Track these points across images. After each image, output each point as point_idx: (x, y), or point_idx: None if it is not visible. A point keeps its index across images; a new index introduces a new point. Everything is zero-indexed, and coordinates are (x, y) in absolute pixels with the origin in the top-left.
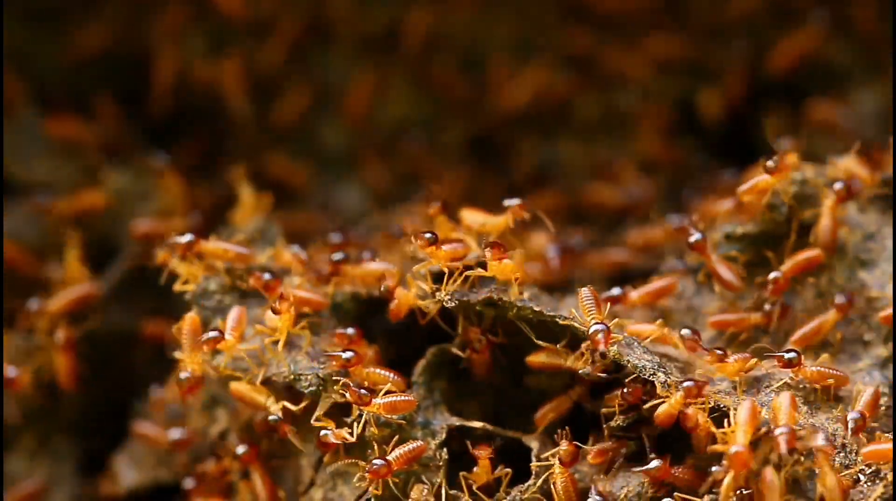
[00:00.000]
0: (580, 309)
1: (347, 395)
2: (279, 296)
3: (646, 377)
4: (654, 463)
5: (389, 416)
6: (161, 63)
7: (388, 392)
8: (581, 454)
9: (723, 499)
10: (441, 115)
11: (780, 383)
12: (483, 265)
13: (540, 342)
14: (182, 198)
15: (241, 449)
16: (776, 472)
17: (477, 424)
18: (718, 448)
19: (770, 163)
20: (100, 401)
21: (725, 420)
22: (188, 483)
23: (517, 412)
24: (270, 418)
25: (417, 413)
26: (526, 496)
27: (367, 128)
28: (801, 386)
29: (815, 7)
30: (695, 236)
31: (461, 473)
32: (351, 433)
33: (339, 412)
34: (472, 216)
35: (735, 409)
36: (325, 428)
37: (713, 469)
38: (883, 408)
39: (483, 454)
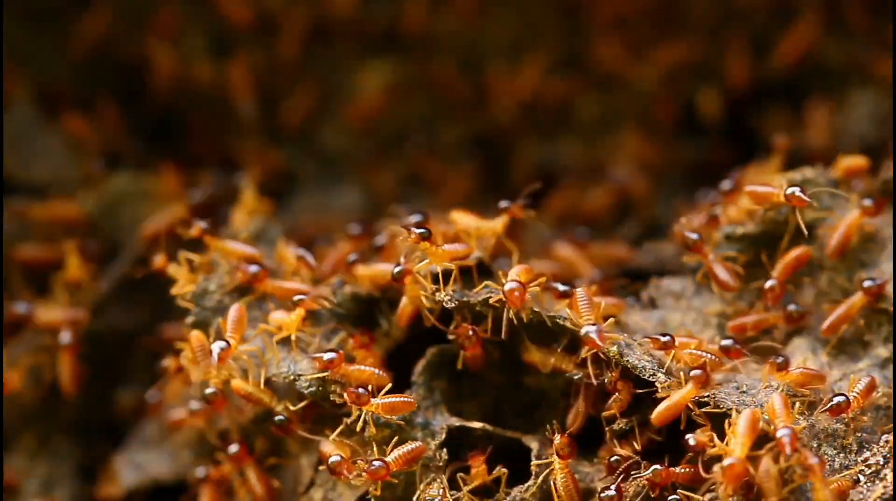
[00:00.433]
0: (574, 309)
1: (345, 395)
2: (303, 296)
3: (645, 377)
4: (654, 468)
5: (388, 417)
6: (158, 59)
7: (387, 393)
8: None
9: (723, 498)
10: (441, 115)
11: (774, 385)
12: (483, 266)
13: (531, 345)
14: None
15: (233, 449)
16: (773, 462)
17: (476, 424)
18: (717, 451)
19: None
20: (100, 401)
21: (726, 422)
22: (199, 472)
23: (517, 413)
24: (277, 418)
25: (417, 414)
26: (526, 496)
27: (369, 129)
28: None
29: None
30: (692, 237)
31: (458, 475)
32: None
33: (339, 413)
34: (464, 219)
35: (737, 411)
36: (336, 454)
37: (715, 468)
38: (883, 410)
39: (476, 462)
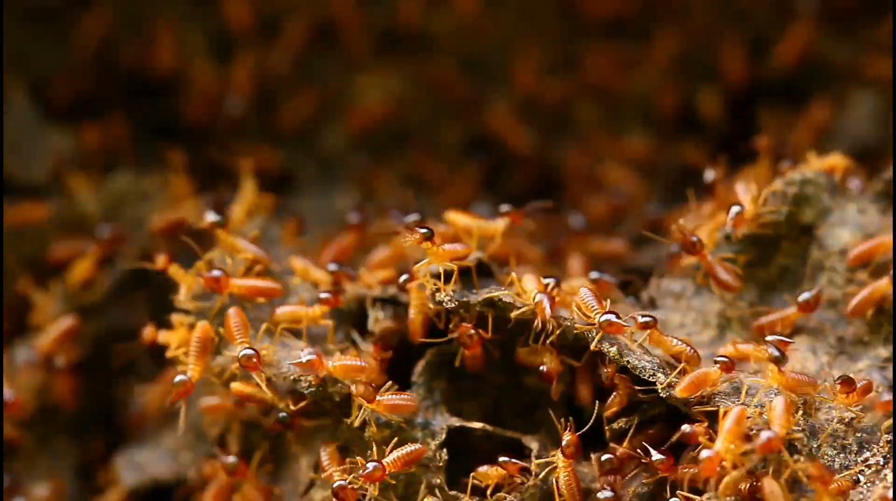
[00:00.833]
0: (582, 308)
1: (355, 388)
2: (335, 288)
3: (646, 377)
4: (658, 456)
5: (390, 416)
6: (160, 54)
7: (389, 392)
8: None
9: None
10: (441, 116)
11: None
12: (483, 265)
13: (520, 350)
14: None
15: (230, 460)
16: (775, 479)
17: (476, 425)
18: (704, 444)
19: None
20: (99, 401)
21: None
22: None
23: (517, 413)
24: (280, 415)
25: (417, 414)
26: (526, 496)
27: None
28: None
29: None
30: (691, 240)
31: (472, 474)
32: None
33: (340, 413)
34: (462, 219)
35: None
36: (342, 479)
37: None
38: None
39: (512, 468)
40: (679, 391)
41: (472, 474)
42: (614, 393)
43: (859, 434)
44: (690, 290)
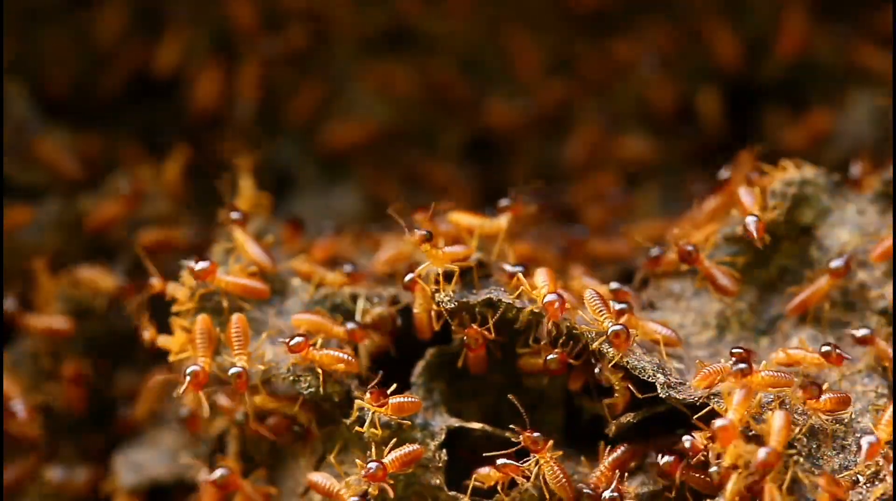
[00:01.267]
0: (589, 311)
1: (367, 396)
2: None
3: (646, 378)
4: (666, 459)
5: (396, 417)
6: (166, 46)
7: (394, 393)
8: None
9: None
10: (441, 116)
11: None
12: (482, 265)
13: (522, 354)
14: (181, 197)
15: (217, 474)
16: (776, 487)
17: (476, 425)
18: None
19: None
20: (100, 401)
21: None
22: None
23: (516, 414)
24: (296, 429)
25: (417, 414)
26: (525, 497)
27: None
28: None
29: None
30: (687, 249)
31: (473, 476)
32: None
33: (339, 413)
34: (465, 219)
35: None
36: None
37: (712, 469)
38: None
39: (510, 471)
40: (695, 383)
41: (473, 476)
42: (615, 394)
43: (859, 435)
44: (689, 291)
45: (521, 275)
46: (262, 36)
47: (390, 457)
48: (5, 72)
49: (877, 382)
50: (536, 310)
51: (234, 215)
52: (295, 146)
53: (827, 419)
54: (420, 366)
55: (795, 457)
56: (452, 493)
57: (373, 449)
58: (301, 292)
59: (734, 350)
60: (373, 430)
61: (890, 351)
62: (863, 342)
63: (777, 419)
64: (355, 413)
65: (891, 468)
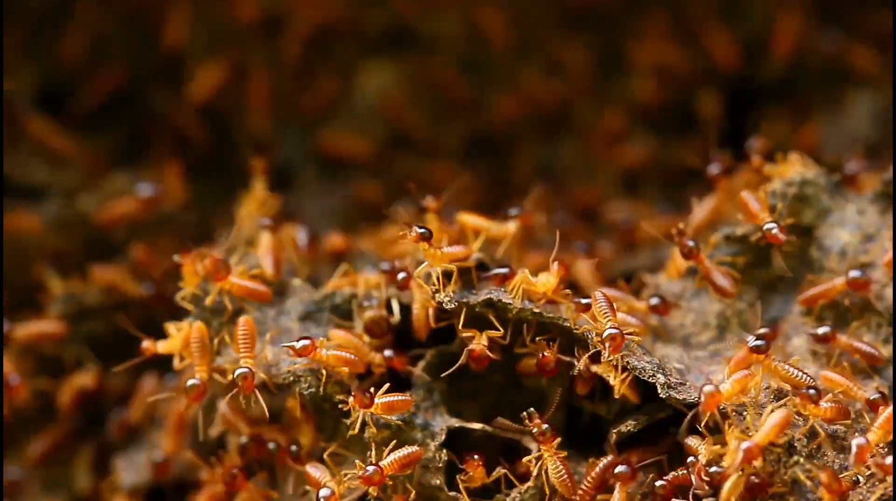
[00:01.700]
0: (596, 312)
1: (351, 399)
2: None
3: (646, 379)
4: (661, 483)
5: (388, 417)
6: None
7: (385, 393)
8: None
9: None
10: (441, 116)
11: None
12: (483, 266)
13: (526, 348)
14: (183, 199)
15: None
16: (742, 481)
17: (476, 425)
18: (734, 437)
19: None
20: (99, 401)
21: (726, 423)
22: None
23: (517, 413)
24: (293, 449)
25: (417, 415)
26: (526, 497)
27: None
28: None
29: None
30: (688, 245)
31: (458, 476)
32: None
33: (339, 414)
34: (474, 220)
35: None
36: (326, 486)
37: (711, 469)
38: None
39: (474, 465)
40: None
41: (458, 477)
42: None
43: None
44: (690, 291)
45: (580, 303)
46: (262, 35)
47: (388, 459)
48: (5, 72)
49: (876, 381)
50: (597, 339)
51: (265, 222)
52: (295, 146)
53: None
54: (420, 366)
55: (795, 457)
56: (453, 494)
57: (373, 450)
58: (301, 292)
59: (759, 332)
60: (372, 431)
61: (854, 343)
62: (823, 340)
63: (773, 416)
64: (355, 414)
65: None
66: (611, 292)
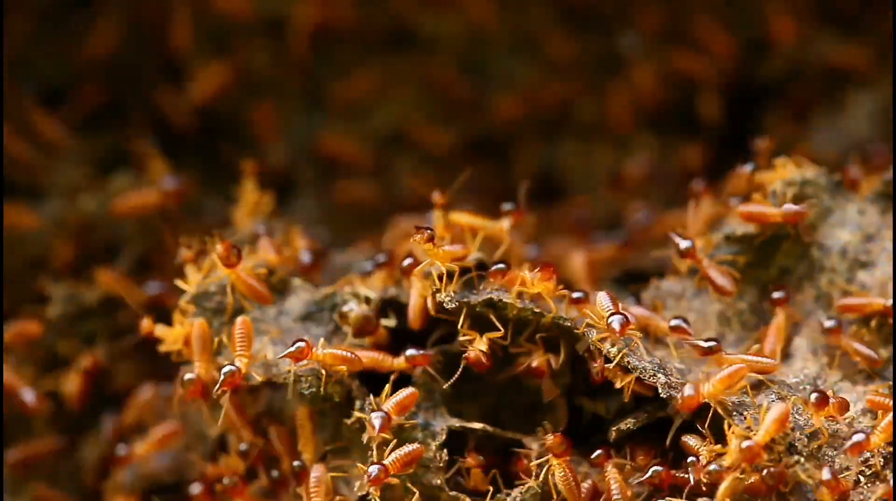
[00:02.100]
0: (599, 311)
1: (370, 401)
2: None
3: (646, 379)
4: (655, 469)
5: (401, 417)
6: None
7: (388, 396)
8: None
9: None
10: (441, 116)
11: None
12: (482, 266)
13: (522, 348)
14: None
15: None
16: (737, 481)
17: (477, 425)
18: (737, 434)
19: None
20: (100, 401)
21: (725, 423)
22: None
23: (517, 413)
24: (295, 464)
25: (417, 415)
26: (526, 496)
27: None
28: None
29: None
30: (684, 244)
31: (457, 478)
32: None
33: (339, 414)
34: (466, 219)
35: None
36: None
37: (711, 467)
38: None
39: (473, 463)
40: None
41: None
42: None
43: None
44: (690, 291)
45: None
46: (259, 33)
47: (391, 458)
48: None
49: (877, 382)
50: (601, 334)
51: (261, 229)
52: (294, 147)
53: (826, 424)
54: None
55: (796, 457)
56: (453, 493)
57: (374, 451)
58: (301, 292)
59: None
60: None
61: (855, 345)
62: (829, 332)
63: (772, 411)
64: (355, 415)
65: (891, 468)
66: (638, 310)
